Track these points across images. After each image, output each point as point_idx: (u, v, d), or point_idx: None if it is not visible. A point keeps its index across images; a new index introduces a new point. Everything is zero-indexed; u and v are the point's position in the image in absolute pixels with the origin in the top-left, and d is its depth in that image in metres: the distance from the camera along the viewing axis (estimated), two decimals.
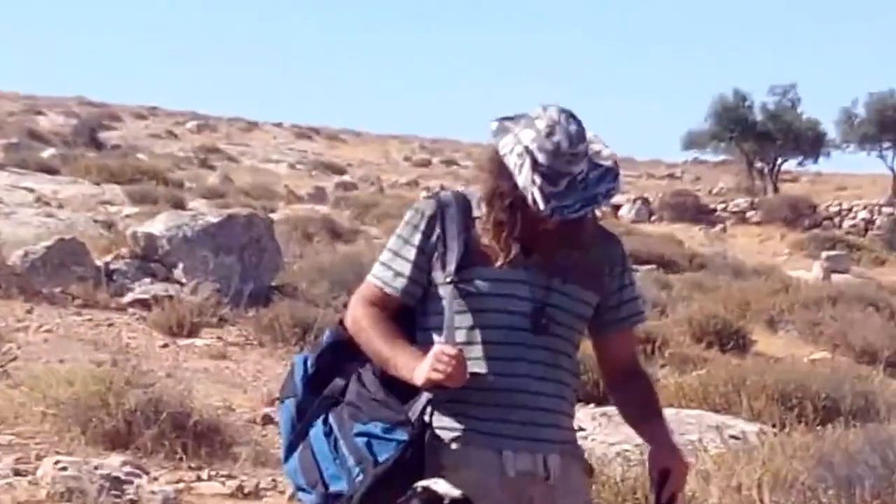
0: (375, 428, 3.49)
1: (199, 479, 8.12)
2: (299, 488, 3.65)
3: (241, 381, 11.55)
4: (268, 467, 8.56)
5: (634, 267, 24.60)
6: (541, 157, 3.47)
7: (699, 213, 44.04)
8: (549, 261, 3.63)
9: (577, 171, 3.50)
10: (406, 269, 3.67)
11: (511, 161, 3.51)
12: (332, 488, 3.51)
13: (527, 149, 3.49)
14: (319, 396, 3.69)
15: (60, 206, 23.87)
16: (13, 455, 7.94)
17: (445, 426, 3.56)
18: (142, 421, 8.50)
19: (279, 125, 77.57)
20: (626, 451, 8.04)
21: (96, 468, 7.56)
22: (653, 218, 43.63)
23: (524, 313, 3.60)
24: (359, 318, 3.68)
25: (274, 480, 8.15)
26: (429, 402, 3.49)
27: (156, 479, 7.91)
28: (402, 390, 3.55)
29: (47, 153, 35.90)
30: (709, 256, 29.95)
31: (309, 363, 3.77)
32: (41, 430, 8.63)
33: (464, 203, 3.71)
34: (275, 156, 58.30)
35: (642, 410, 3.86)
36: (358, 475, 3.46)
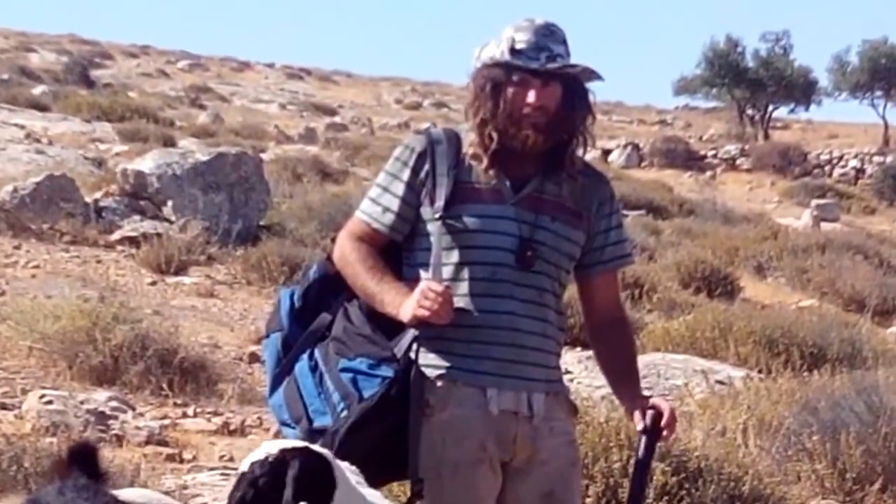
0: (361, 364, 3.50)
1: (184, 415, 8.18)
2: (283, 423, 3.65)
3: (229, 320, 11.58)
4: (253, 405, 8.60)
5: (624, 212, 24.70)
6: (518, 35, 3.59)
7: (689, 160, 43.92)
8: (537, 197, 3.64)
9: (556, 49, 3.59)
10: (394, 204, 3.66)
11: (493, 53, 3.61)
12: (317, 423, 3.51)
13: (506, 36, 3.60)
14: (305, 331, 3.68)
15: (50, 143, 23.74)
16: None
17: (431, 363, 3.55)
18: (128, 357, 8.55)
19: (271, 66, 77.21)
20: (611, 394, 8.08)
21: (82, 403, 7.61)
22: (643, 164, 43.57)
23: (511, 250, 3.60)
24: (346, 254, 3.68)
25: (259, 418, 8.19)
26: (415, 338, 3.49)
27: (141, 414, 7.95)
28: (388, 326, 3.55)
29: (38, 90, 35.64)
30: (698, 203, 29.86)
31: (295, 297, 3.76)
32: (27, 365, 8.69)
33: (454, 140, 3.70)
34: (266, 96, 57.99)
35: (627, 367, 3.88)
36: (342, 410, 3.46)
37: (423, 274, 3.61)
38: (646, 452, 3.75)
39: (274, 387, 3.70)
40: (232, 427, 8.00)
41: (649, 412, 3.70)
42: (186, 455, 7.30)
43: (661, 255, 18.93)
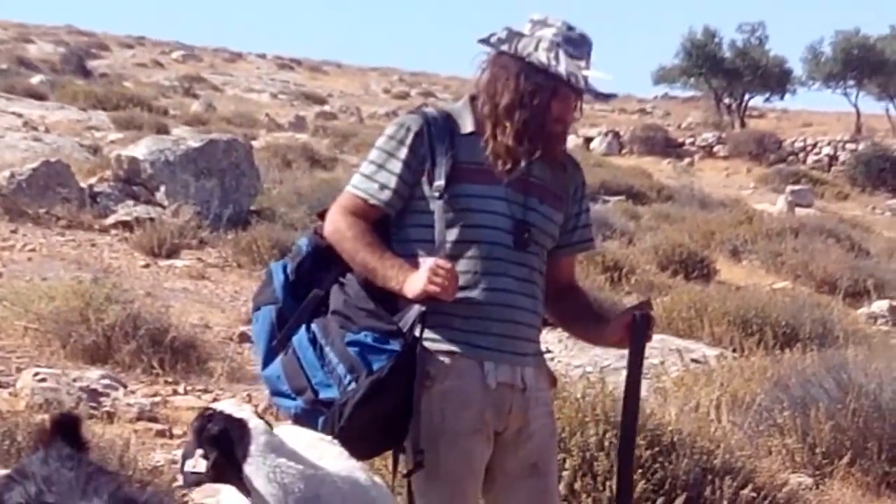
0: (367, 337, 3.57)
1: (175, 392, 8.31)
2: (280, 394, 3.72)
3: (219, 301, 11.74)
4: (242, 383, 8.78)
5: (605, 198, 24.77)
6: (569, 48, 3.70)
7: (668, 147, 44.23)
8: (525, 180, 3.77)
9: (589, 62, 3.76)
10: (392, 181, 3.73)
11: (541, 56, 3.69)
12: (322, 395, 3.59)
13: (553, 42, 3.71)
14: (300, 304, 3.74)
15: (47, 131, 23.85)
16: None
17: (431, 337, 3.65)
18: (120, 336, 8.68)
19: (262, 56, 77.25)
20: (588, 372, 8.26)
21: (75, 380, 7.72)
22: (623, 151, 43.91)
23: (506, 229, 3.73)
24: (342, 229, 3.73)
25: (249, 395, 8.32)
26: (422, 314, 3.58)
27: (133, 392, 8.07)
28: (384, 300, 3.65)
29: (36, 79, 35.65)
30: (676, 189, 30.04)
31: (289, 270, 3.81)
32: (22, 344, 8.80)
33: (448, 120, 3.80)
34: (258, 86, 57.99)
35: (593, 311, 4.09)
36: (350, 383, 3.54)
37: (418, 250, 3.70)
38: (635, 361, 3.88)
39: (268, 359, 3.75)
40: None
41: (632, 322, 3.83)
42: (177, 431, 7.39)
43: (640, 239, 19.13)
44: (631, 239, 19.19)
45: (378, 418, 3.56)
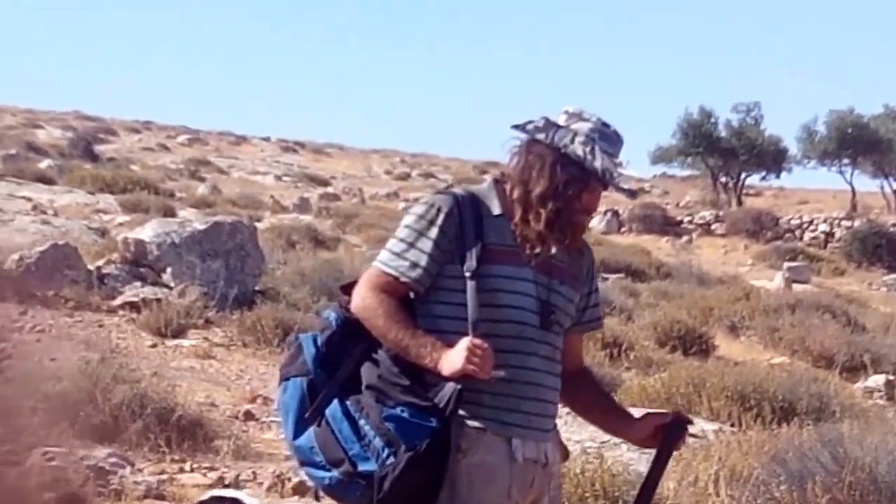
0: (403, 412, 3.63)
1: (181, 470, 8.36)
2: (313, 465, 3.77)
3: (225, 380, 11.86)
4: (248, 460, 8.85)
5: (604, 275, 24.87)
6: (604, 145, 3.83)
7: (666, 225, 44.55)
8: (548, 262, 3.88)
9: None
10: (423, 260, 3.78)
11: (577, 150, 3.81)
12: (361, 468, 3.64)
13: (590, 137, 3.83)
14: (329, 376, 3.80)
15: (56, 214, 24.03)
16: (4, 447, 8.13)
17: (463, 413, 3.72)
18: (128, 415, 8.75)
19: (267, 139, 77.76)
20: (588, 448, 8.33)
21: (82, 459, 7.73)
22: (622, 229, 44.17)
23: (533, 310, 3.82)
24: (374, 306, 3.78)
25: (254, 473, 8.40)
26: (458, 391, 3.65)
27: (140, 470, 8.11)
28: (413, 375, 3.72)
29: (44, 164, 35.82)
30: (675, 266, 30.23)
31: (320, 342, 3.87)
32: (31, 424, 8.85)
33: (477, 201, 3.88)
34: (262, 168, 58.37)
35: (612, 403, 4.24)
36: (388, 457, 3.60)
37: (444, 326, 3.76)
38: (661, 464, 4.00)
39: (299, 430, 3.77)
40: (227, 481, 8.14)
41: (665, 426, 3.97)
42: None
43: (639, 316, 19.26)
44: (630, 315, 19.35)
45: (413, 489, 3.62)
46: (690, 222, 44.73)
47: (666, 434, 3.96)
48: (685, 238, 42.65)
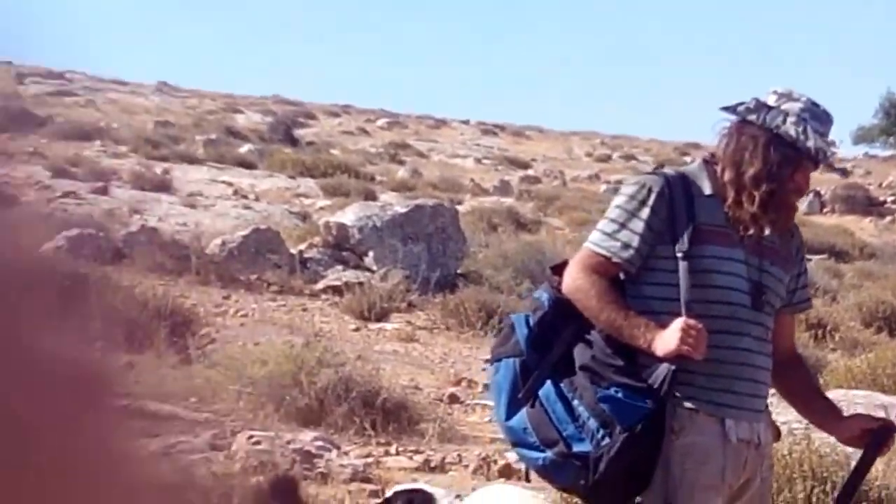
0: (618, 393, 3.62)
1: (387, 453, 8.37)
2: (526, 445, 3.79)
3: (429, 363, 11.83)
4: (453, 443, 8.81)
5: (808, 256, 24.53)
6: (816, 124, 3.77)
7: (869, 205, 43.61)
8: (759, 243, 3.82)
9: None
10: (634, 240, 3.76)
11: (790, 130, 3.75)
12: (576, 448, 3.66)
13: (801, 117, 3.77)
14: (541, 356, 3.81)
15: (257, 199, 24.43)
16: (210, 431, 8.19)
17: (675, 394, 3.68)
18: (332, 399, 8.79)
19: (466, 122, 77.97)
20: (795, 428, 8.09)
21: (288, 443, 7.81)
22: (825, 210, 43.33)
23: (745, 290, 3.77)
24: (585, 287, 3.77)
25: (459, 455, 8.37)
26: (672, 372, 3.62)
27: (346, 453, 8.13)
28: (626, 356, 3.69)
29: (245, 149, 36.37)
30: (879, 246, 29.88)
31: (532, 322, 3.88)
32: (236, 408, 8.93)
33: (688, 182, 3.85)
34: (462, 151, 58.49)
35: (822, 396, 4.19)
36: (604, 438, 3.61)
37: (655, 306, 3.73)
38: (865, 467, 3.99)
39: (511, 410, 3.81)
40: (433, 464, 8.17)
41: (872, 430, 3.91)
42: (389, 492, 7.47)
43: (844, 297, 19.09)
44: (834, 297, 19.17)
45: (627, 471, 3.61)
46: (894, 202, 43.59)
47: (872, 438, 3.91)
48: (888, 218, 41.62)
